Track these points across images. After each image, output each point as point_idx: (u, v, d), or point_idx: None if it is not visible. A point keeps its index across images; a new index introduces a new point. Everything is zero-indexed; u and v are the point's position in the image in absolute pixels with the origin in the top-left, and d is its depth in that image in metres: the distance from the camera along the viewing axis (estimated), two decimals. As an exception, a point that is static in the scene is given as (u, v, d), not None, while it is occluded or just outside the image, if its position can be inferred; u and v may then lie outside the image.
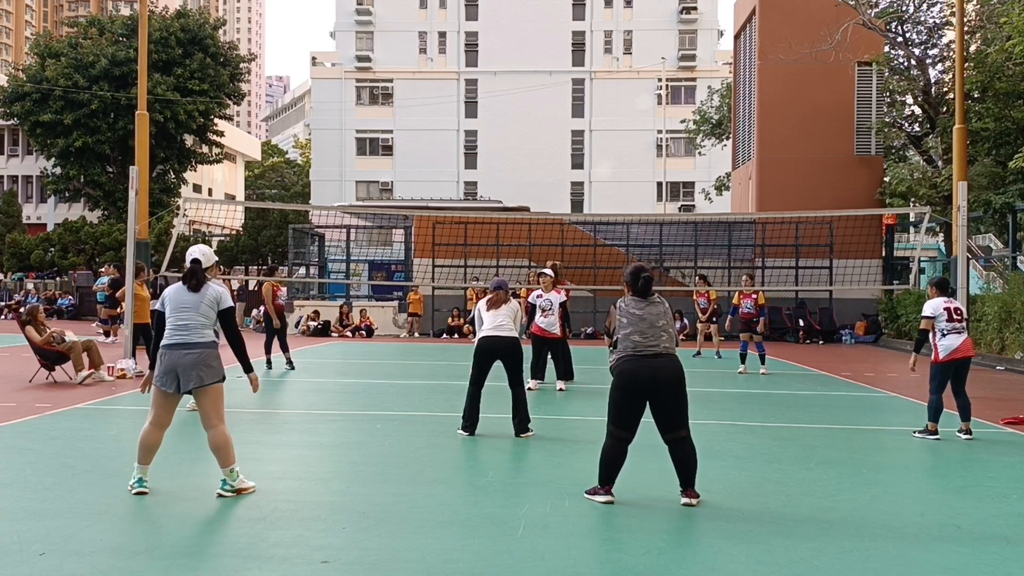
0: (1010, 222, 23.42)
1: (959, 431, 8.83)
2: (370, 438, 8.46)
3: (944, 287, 9.14)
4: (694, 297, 18.45)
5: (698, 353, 18.33)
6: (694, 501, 5.87)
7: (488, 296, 8.83)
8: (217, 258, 6.51)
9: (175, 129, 41.76)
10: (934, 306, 8.88)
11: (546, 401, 11.19)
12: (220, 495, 5.94)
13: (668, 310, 5.99)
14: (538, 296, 12.21)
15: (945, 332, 8.76)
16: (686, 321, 25.05)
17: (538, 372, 12.40)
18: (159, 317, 6.13)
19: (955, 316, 8.81)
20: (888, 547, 5.05)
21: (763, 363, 15.20)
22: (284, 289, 15.34)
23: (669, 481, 6.52)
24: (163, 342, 6.03)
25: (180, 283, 6.16)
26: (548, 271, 12.33)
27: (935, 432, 8.74)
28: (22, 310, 13.70)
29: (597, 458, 6.08)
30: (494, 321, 8.54)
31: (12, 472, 6.60)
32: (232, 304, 6.25)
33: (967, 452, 8.19)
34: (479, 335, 8.64)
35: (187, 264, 6.18)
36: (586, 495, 6.05)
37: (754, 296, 15.22)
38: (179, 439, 7.88)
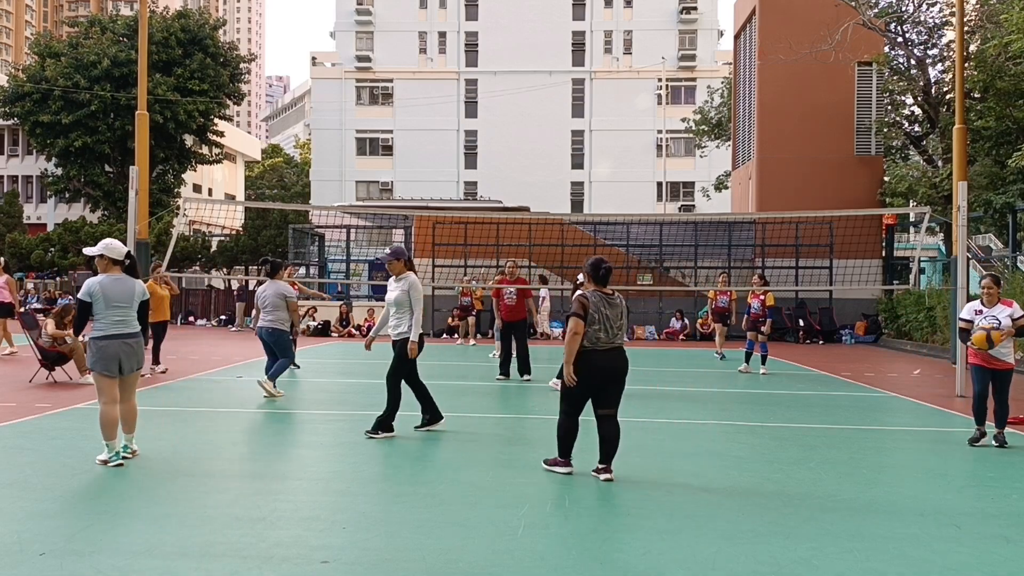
0: (1010, 222, 23.42)
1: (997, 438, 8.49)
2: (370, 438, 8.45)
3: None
4: (712, 295, 18.16)
5: (722, 356, 17.83)
6: (612, 476, 6.50)
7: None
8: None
9: (175, 129, 41.75)
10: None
11: (547, 401, 11.18)
12: (123, 459, 6.80)
13: (624, 309, 6.67)
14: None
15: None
16: (686, 321, 25.07)
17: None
18: (84, 307, 6.86)
19: None
20: (888, 547, 5.06)
21: (764, 363, 15.27)
22: (296, 288, 15.29)
23: (670, 482, 6.52)
24: (103, 333, 6.82)
25: (105, 277, 6.92)
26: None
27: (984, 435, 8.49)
28: (23, 309, 13.71)
29: (598, 458, 6.09)
30: (385, 313, 8.57)
31: (12, 472, 6.60)
32: (148, 297, 7.29)
33: (967, 452, 8.19)
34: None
35: (125, 260, 7.01)
36: (545, 466, 6.74)
37: (762, 297, 15.26)
38: (178, 440, 7.88)
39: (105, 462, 6.76)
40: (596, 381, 6.51)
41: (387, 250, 8.38)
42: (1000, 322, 8.05)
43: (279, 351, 11.02)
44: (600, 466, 6.57)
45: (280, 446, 7.97)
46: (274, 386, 10.82)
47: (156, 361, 13.48)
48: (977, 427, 8.44)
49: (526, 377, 13.12)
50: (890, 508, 5.96)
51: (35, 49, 44.17)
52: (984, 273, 8.77)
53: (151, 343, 13.79)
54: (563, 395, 6.66)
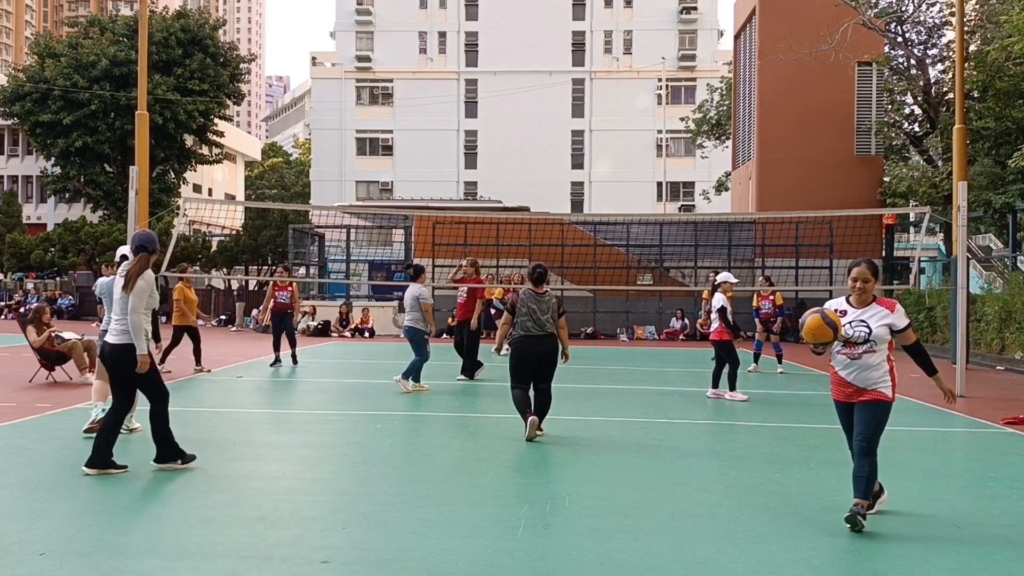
0: (1010, 222, 23.43)
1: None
2: (370, 438, 8.46)
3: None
4: (755, 303, 16.11)
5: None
6: (542, 429, 8.15)
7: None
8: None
9: (175, 129, 41.74)
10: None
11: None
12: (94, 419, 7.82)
13: (553, 304, 8.15)
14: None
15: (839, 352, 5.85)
16: (687, 320, 25.06)
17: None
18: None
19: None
20: (888, 547, 5.05)
21: (780, 362, 15.50)
22: (288, 289, 15.27)
23: (670, 482, 6.53)
24: (103, 327, 7.55)
25: (108, 277, 7.87)
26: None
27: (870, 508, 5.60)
28: (23, 310, 13.72)
29: (598, 458, 6.13)
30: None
31: (12, 472, 6.60)
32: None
33: (967, 452, 8.19)
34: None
35: (118, 258, 7.76)
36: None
37: (771, 297, 15.50)
38: (178, 440, 7.86)
39: (92, 428, 7.81)
40: (528, 360, 8.09)
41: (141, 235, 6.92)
42: (871, 330, 5.71)
43: (414, 348, 11.69)
44: (537, 420, 8.11)
45: (280, 446, 7.97)
46: (411, 383, 11.56)
47: (198, 362, 13.86)
48: (856, 499, 5.45)
49: (463, 378, 13.24)
50: (890, 508, 5.96)
51: (35, 49, 44.14)
52: (857, 262, 6.28)
53: (166, 345, 13.83)
54: (510, 374, 8.19)
